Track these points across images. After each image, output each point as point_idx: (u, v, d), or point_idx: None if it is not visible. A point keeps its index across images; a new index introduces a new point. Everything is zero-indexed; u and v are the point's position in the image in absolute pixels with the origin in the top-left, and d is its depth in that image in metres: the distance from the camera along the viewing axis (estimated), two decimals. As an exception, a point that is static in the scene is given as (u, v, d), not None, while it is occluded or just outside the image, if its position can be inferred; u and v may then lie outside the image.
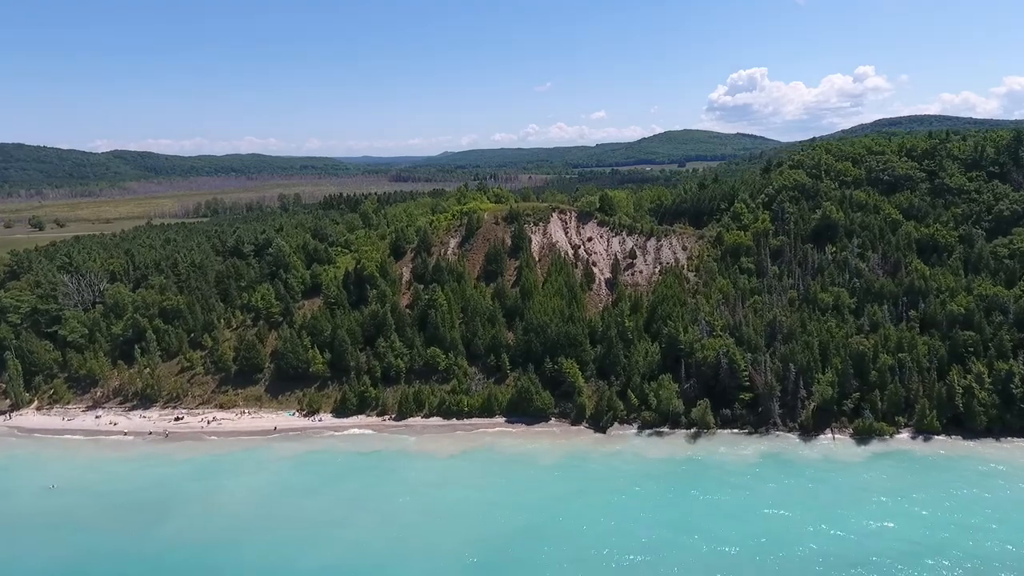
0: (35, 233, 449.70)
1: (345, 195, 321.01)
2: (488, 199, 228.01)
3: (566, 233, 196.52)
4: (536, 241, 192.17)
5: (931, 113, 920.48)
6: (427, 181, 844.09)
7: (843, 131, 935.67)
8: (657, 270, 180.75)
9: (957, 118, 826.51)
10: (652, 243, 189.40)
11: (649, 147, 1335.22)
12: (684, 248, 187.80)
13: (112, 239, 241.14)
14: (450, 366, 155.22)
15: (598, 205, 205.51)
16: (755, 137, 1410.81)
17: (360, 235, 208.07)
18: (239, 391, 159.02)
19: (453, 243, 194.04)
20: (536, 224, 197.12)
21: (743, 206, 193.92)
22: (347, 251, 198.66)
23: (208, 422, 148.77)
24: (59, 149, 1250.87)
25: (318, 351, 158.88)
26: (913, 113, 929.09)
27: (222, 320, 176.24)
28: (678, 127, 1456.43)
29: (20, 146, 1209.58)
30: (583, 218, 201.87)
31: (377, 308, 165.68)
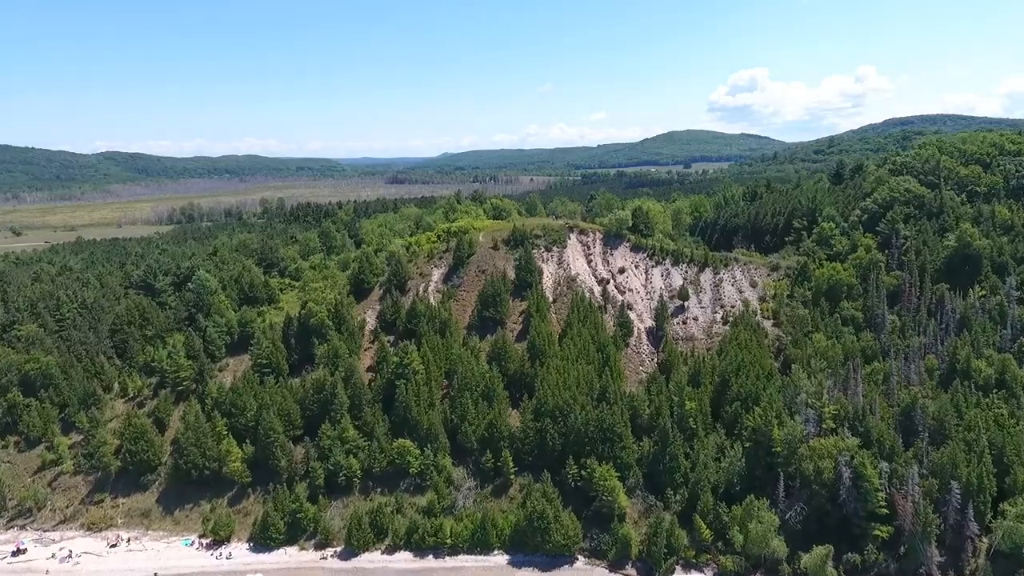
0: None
1: (313, 204, 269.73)
2: (484, 213, 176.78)
3: (589, 262, 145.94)
4: (549, 273, 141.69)
5: (936, 112, 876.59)
6: (424, 183, 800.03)
7: (852, 131, 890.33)
8: (719, 316, 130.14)
9: (971, 117, 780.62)
10: (707, 276, 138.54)
11: (652, 147, 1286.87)
12: (753, 284, 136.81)
13: (2, 264, 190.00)
14: (426, 468, 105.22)
15: (630, 222, 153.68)
16: (760, 137, 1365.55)
17: (315, 262, 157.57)
18: (121, 500, 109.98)
19: (437, 276, 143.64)
20: (549, 249, 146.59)
21: (831, 226, 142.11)
22: (296, 285, 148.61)
23: (62, 559, 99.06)
24: (48, 151, 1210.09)
25: (235, 441, 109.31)
26: (917, 113, 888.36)
27: (115, 385, 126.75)
28: (679, 128, 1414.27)
29: (6, 147, 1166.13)
30: (611, 241, 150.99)
31: (324, 376, 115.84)
